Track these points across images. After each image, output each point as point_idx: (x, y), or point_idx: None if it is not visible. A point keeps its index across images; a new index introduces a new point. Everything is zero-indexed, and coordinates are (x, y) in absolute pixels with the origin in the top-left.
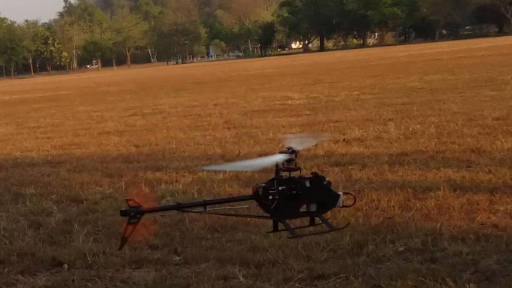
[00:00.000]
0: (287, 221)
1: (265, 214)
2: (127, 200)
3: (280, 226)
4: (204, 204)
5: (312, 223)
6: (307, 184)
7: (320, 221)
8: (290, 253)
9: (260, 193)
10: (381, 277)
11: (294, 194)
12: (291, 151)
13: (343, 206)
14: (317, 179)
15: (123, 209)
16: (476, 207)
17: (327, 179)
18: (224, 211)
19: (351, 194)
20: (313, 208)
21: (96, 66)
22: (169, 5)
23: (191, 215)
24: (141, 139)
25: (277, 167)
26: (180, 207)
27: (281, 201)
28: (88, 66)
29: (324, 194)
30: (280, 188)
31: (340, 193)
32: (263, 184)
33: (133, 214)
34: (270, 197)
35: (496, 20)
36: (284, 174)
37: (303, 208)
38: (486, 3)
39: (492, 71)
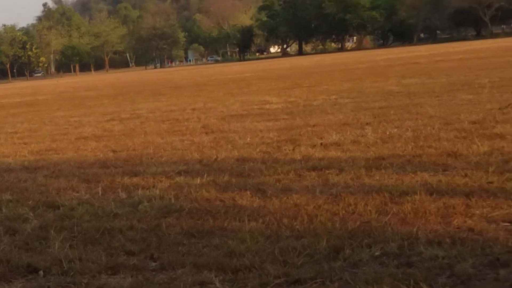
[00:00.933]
0: None
1: None
2: None
3: None
4: None
5: None
6: None
7: None
8: (267, 258)
9: None
10: (357, 282)
11: None
12: None
13: None
14: None
15: None
16: (452, 211)
17: None
18: None
19: None
20: None
21: (40, 74)
22: (147, 9)
23: (168, 220)
24: (118, 144)
25: None
26: None
27: None
28: (34, 74)
29: None
30: None
31: None
32: None
33: None
34: None
35: (474, 23)
36: None
37: None
38: (464, 7)
39: (469, 74)
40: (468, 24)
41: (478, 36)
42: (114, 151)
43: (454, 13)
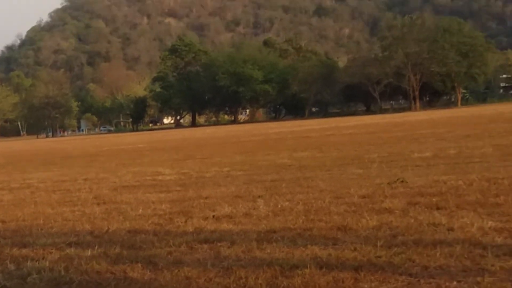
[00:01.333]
0: None
1: None
2: None
3: None
4: None
5: None
6: None
7: None
8: None
9: None
10: None
11: None
12: None
13: None
14: None
15: None
16: (341, 285)
17: None
18: None
19: None
20: None
21: None
22: (40, 77)
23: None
24: (7, 215)
25: None
26: None
27: None
28: None
29: None
30: None
31: None
32: None
33: None
34: None
35: (364, 99)
36: None
37: None
38: (354, 82)
39: (359, 149)
40: (358, 100)
41: (368, 111)
42: (2, 222)
43: (344, 88)
